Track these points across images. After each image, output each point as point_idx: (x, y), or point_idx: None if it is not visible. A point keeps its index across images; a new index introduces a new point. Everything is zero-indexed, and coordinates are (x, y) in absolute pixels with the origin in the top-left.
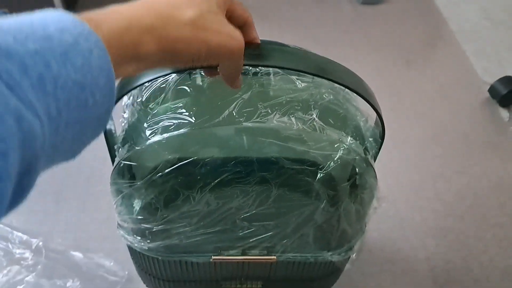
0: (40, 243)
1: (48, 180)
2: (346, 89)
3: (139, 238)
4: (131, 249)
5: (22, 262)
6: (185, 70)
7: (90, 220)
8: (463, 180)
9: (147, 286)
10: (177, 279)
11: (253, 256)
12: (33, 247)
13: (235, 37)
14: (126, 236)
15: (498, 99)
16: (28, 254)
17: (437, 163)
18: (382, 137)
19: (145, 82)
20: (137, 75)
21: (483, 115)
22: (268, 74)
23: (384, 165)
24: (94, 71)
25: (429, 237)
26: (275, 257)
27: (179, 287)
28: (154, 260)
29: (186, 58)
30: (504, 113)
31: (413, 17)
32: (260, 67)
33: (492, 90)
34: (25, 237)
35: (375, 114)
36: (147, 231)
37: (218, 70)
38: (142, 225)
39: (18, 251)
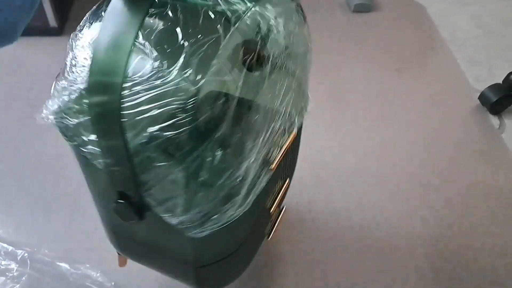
0: (26, 255)
1: (37, 191)
2: None
3: None
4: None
5: (7, 273)
6: None
7: (78, 231)
8: (453, 188)
9: None
10: None
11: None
12: (18, 258)
13: None
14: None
15: (489, 107)
16: (13, 266)
17: (427, 171)
18: None
19: None
20: None
21: (474, 122)
22: None
23: (374, 173)
24: None
25: (418, 246)
26: None
27: None
28: None
29: None
30: (494, 120)
31: (405, 25)
32: None
33: (482, 98)
34: (10, 248)
35: None
36: None
37: None
38: None
39: (3, 262)
